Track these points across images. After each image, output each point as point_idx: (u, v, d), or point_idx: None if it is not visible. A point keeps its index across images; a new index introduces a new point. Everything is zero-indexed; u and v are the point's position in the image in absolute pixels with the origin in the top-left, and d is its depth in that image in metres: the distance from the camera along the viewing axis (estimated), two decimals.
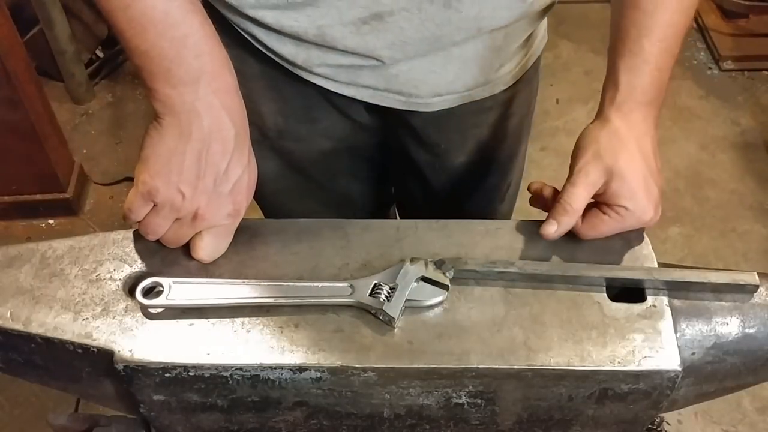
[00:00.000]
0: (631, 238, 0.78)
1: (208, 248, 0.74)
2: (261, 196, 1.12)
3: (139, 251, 0.76)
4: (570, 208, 0.74)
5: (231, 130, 0.70)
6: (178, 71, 0.67)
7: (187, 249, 0.75)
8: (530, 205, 0.84)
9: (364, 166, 1.15)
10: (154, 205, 0.71)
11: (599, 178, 0.75)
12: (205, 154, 0.69)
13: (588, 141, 0.77)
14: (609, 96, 0.79)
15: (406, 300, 0.70)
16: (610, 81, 0.79)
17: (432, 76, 0.91)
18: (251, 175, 0.74)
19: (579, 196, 0.74)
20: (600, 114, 0.79)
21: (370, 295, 0.70)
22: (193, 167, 0.69)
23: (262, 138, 1.02)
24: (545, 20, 1.00)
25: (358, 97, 0.94)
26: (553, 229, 0.74)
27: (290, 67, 0.91)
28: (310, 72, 0.91)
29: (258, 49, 0.90)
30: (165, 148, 0.69)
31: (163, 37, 0.66)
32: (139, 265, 0.75)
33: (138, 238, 0.77)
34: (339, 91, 0.93)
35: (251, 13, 0.83)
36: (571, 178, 0.76)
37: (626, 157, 0.75)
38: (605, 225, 0.75)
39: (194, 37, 0.68)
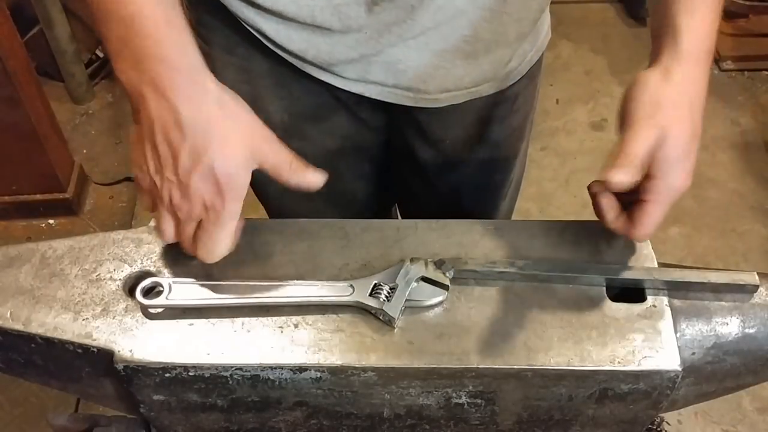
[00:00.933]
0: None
1: (205, 247, 0.71)
2: (266, 197, 1.12)
3: (139, 251, 0.76)
4: (636, 160, 0.69)
5: (180, 113, 0.66)
6: (125, 52, 0.67)
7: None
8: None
9: (368, 165, 1.15)
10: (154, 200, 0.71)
11: (656, 135, 0.70)
12: (161, 141, 0.67)
13: (646, 92, 0.72)
14: (668, 43, 0.73)
15: (406, 300, 0.70)
16: (667, 26, 0.74)
17: (441, 71, 0.91)
18: (227, 162, 0.68)
19: (642, 149, 0.70)
20: (658, 62, 0.74)
21: (370, 295, 0.70)
22: (153, 155, 0.68)
23: None
24: (548, 15, 1.00)
25: (366, 94, 0.94)
26: (623, 179, 0.68)
27: (299, 64, 0.91)
28: (320, 68, 0.91)
29: (266, 47, 0.90)
30: (134, 135, 0.69)
31: (114, 16, 0.66)
32: (139, 265, 0.75)
33: (138, 238, 0.77)
34: (348, 88, 0.93)
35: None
36: (630, 132, 0.71)
37: (678, 124, 0.71)
38: (649, 212, 0.71)
39: (140, 18, 0.66)
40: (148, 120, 0.67)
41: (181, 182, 0.68)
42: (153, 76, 0.66)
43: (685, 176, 0.71)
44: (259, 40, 0.90)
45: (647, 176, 0.71)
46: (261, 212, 1.18)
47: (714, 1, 0.75)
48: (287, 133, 1.02)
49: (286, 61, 0.91)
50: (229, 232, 0.70)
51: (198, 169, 0.67)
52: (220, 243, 0.70)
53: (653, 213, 0.71)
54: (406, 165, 1.13)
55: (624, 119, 0.73)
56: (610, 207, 0.74)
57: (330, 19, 0.83)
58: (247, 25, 0.88)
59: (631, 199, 0.73)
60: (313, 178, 0.74)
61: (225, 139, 0.68)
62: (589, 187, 0.76)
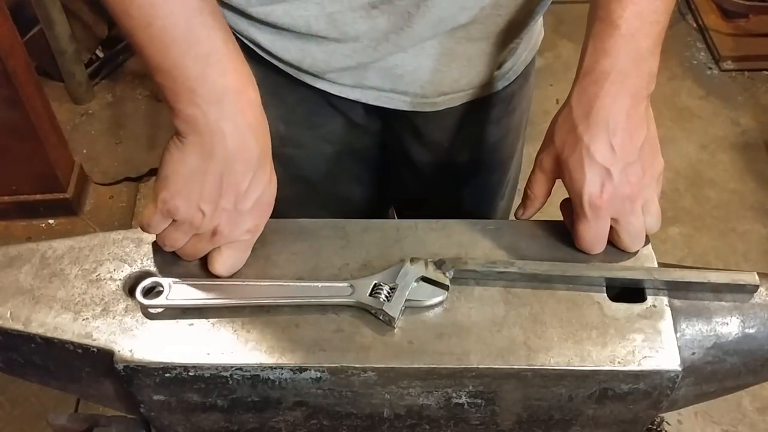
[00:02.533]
0: None
1: (226, 263, 0.73)
2: None
3: (139, 251, 0.76)
4: (531, 194, 0.78)
5: (255, 149, 0.69)
6: (201, 90, 0.65)
7: None
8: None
9: (364, 169, 1.15)
10: (174, 221, 0.70)
11: (552, 165, 0.75)
12: (227, 174, 0.68)
13: (550, 125, 0.76)
14: (577, 70, 0.74)
15: (406, 300, 0.70)
16: (581, 54, 0.75)
17: (437, 75, 0.91)
18: (272, 191, 0.73)
19: (537, 182, 0.77)
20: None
21: (370, 295, 0.70)
22: (215, 187, 0.68)
23: None
24: (541, 15, 1.00)
25: (363, 100, 0.94)
26: (520, 212, 0.80)
27: (294, 73, 0.91)
28: (315, 76, 0.91)
29: (261, 57, 0.90)
30: (186, 168, 0.68)
31: (186, 55, 0.65)
32: (139, 265, 0.75)
33: (138, 238, 0.77)
34: (344, 95, 0.93)
35: (258, 10, 0.83)
36: (534, 165, 0.78)
37: (571, 145, 0.72)
38: (578, 228, 0.74)
39: (218, 55, 0.66)
40: (223, 153, 0.67)
41: (237, 210, 0.70)
42: (236, 110, 0.67)
43: (598, 193, 0.71)
44: (254, 50, 0.89)
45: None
46: None
47: (633, 17, 0.70)
48: (283, 141, 1.03)
49: (281, 70, 0.91)
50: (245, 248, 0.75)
51: (253, 198, 0.70)
52: (243, 259, 0.75)
53: (581, 231, 0.73)
54: (403, 168, 1.13)
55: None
56: (568, 215, 0.77)
57: (325, 28, 0.83)
58: (242, 36, 0.88)
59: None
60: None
61: (271, 170, 0.73)
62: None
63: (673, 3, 0.74)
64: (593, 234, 0.73)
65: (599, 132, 0.70)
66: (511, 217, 1.30)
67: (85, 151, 2.61)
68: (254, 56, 0.90)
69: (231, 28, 0.86)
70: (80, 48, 2.64)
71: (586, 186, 0.71)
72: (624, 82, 0.71)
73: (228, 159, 0.68)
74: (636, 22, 0.70)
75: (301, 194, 1.11)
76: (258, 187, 0.71)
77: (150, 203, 0.70)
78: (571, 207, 0.76)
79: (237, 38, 0.88)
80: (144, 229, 0.72)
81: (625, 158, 0.71)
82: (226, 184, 0.68)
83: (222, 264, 0.73)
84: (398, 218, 1.35)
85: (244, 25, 0.86)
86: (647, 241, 0.76)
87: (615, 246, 0.75)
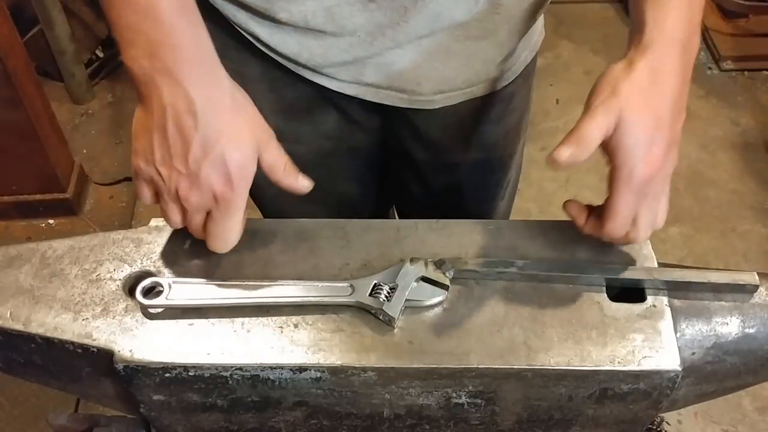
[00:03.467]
0: None
1: (213, 237, 0.71)
2: (260, 201, 1.12)
3: (139, 251, 0.76)
4: (584, 140, 0.69)
5: (194, 102, 0.67)
6: (137, 40, 0.66)
7: (187, 250, 0.75)
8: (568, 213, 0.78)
9: (363, 167, 1.15)
10: (156, 191, 0.71)
11: (611, 121, 0.70)
12: (172, 129, 0.67)
13: (607, 80, 0.73)
14: (635, 37, 0.73)
15: (406, 300, 0.70)
16: (636, 21, 0.74)
17: (435, 73, 0.91)
18: (238, 153, 0.69)
19: (593, 131, 0.70)
20: (625, 55, 0.74)
21: (370, 295, 0.70)
22: (162, 144, 0.67)
23: None
24: (542, 15, 1.00)
25: (360, 96, 0.94)
26: (565, 155, 0.69)
27: (293, 67, 0.91)
28: (313, 71, 0.91)
29: (260, 50, 0.90)
30: (138, 125, 0.69)
31: (127, 3, 0.66)
32: (139, 265, 0.75)
33: (138, 238, 0.77)
34: (342, 90, 0.93)
35: (257, 3, 0.83)
36: (586, 115, 0.71)
37: (634, 112, 0.70)
38: (614, 203, 0.70)
39: (157, 8, 0.66)
40: (160, 108, 0.67)
41: (191, 172, 0.68)
42: (168, 65, 0.66)
43: (650, 164, 0.70)
44: (252, 43, 0.89)
45: (612, 167, 0.70)
46: (258, 214, 1.18)
47: None
48: (280, 136, 1.03)
49: (279, 63, 0.91)
50: (239, 220, 0.72)
51: (209, 159, 0.67)
52: (231, 232, 0.72)
53: (618, 204, 0.70)
54: (402, 166, 1.13)
55: (585, 106, 0.73)
56: (579, 211, 0.75)
57: (323, 22, 0.83)
58: (240, 28, 0.88)
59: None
60: (304, 183, 0.76)
61: (236, 130, 0.69)
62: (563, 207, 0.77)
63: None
64: (630, 208, 0.70)
65: (666, 103, 0.71)
66: (512, 217, 1.30)
67: (85, 151, 2.61)
68: (253, 50, 0.90)
69: (229, 20, 0.87)
70: (80, 48, 2.64)
71: (647, 153, 0.69)
72: (683, 54, 0.72)
73: (165, 113, 0.67)
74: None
75: None
76: (208, 146, 0.67)
77: None
78: (579, 206, 0.75)
79: (235, 31, 0.88)
80: (140, 199, 0.72)
81: (673, 136, 0.71)
82: (172, 141, 0.67)
83: (211, 238, 0.71)
84: (399, 218, 1.35)
85: (242, 18, 0.87)
86: (641, 254, 0.75)
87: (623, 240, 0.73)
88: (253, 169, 0.71)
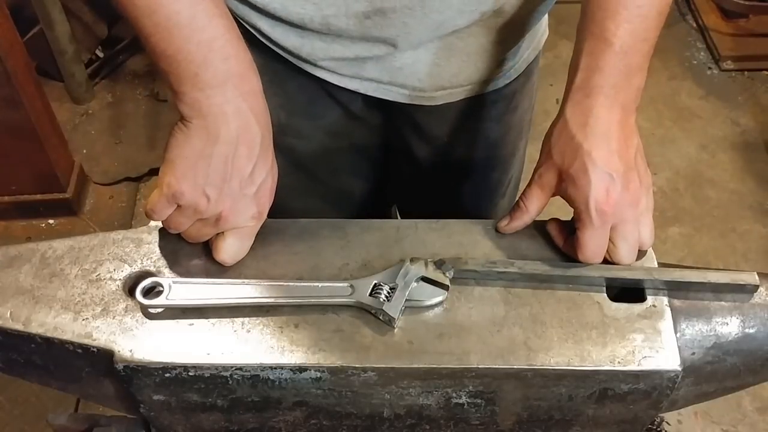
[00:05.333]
0: None
1: (230, 250, 0.73)
2: None
3: (139, 251, 0.76)
4: (523, 207, 0.76)
5: (258, 133, 0.70)
6: (205, 75, 0.67)
7: (187, 250, 0.75)
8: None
9: (365, 164, 1.15)
10: (178, 206, 0.70)
11: (552, 179, 0.75)
12: (231, 158, 0.69)
13: (545, 140, 0.76)
14: (568, 85, 0.75)
15: (406, 300, 0.70)
16: (571, 69, 0.76)
17: (436, 69, 0.91)
18: (274, 177, 0.74)
19: (532, 197, 0.76)
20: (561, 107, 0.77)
21: (370, 295, 0.70)
22: (220, 171, 0.69)
23: None
24: (546, 14, 1.00)
25: (361, 91, 0.94)
26: (504, 222, 0.77)
27: (294, 60, 0.91)
28: (314, 65, 0.91)
29: (262, 43, 0.90)
30: (191, 151, 0.69)
31: (190, 41, 0.67)
32: (139, 265, 0.75)
33: (138, 238, 0.77)
34: (343, 85, 0.93)
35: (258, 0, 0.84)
36: (526, 186, 0.78)
37: (574, 156, 0.72)
38: (582, 238, 0.72)
39: (221, 41, 0.68)
40: (227, 137, 0.68)
41: (242, 195, 0.71)
42: (239, 95, 0.69)
43: (604, 202, 0.71)
44: (254, 36, 0.90)
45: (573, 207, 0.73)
46: None
47: (627, 35, 0.72)
48: (283, 130, 1.03)
49: (282, 57, 0.91)
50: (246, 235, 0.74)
51: (256, 183, 0.71)
52: (247, 246, 0.75)
53: (585, 240, 0.72)
54: (404, 163, 1.13)
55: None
56: (557, 234, 0.77)
57: (320, 27, 0.84)
58: (242, 20, 0.88)
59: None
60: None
61: (273, 159, 0.74)
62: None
63: (662, 21, 0.75)
64: (597, 242, 0.72)
65: (598, 139, 0.72)
66: None
67: (85, 151, 2.61)
68: (255, 42, 0.90)
69: (231, 12, 0.87)
70: (80, 48, 2.64)
71: (592, 191, 0.71)
72: (616, 96, 0.73)
73: (232, 142, 0.69)
74: (629, 39, 0.72)
75: (302, 184, 1.11)
76: (261, 171, 0.71)
77: (156, 189, 0.71)
78: (559, 226, 0.77)
79: (237, 23, 0.88)
80: (149, 216, 0.72)
81: (625, 164, 0.72)
82: (231, 168, 0.69)
83: (226, 251, 0.73)
84: (400, 216, 1.35)
85: (244, 11, 0.87)
86: (640, 255, 0.75)
87: (609, 260, 0.74)
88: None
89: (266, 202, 0.74)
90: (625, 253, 0.73)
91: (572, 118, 0.73)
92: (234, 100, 0.69)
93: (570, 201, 0.74)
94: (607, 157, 0.71)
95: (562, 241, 0.76)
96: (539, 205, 0.77)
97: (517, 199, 0.79)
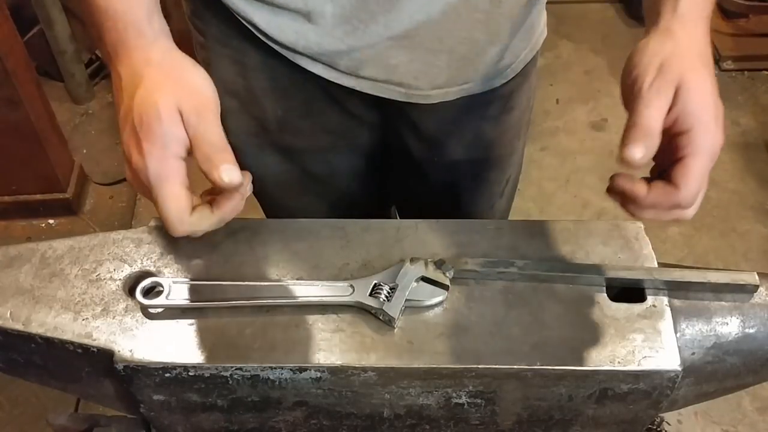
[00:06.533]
0: (631, 237, 0.78)
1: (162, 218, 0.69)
2: (261, 192, 1.12)
3: (139, 251, 0.76)
4: (651, 130, 0.65)
5: (120, 78, 0.71)
6: (118, 49, 0.71)
7: (187, 250, 0.75)
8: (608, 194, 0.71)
9: (363, 163, 1.16)
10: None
11: (669, 98, 0.66)
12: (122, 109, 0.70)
13: (649, 56, 0.69)
14: (666, 9, 0.72)
15: (406, 300, 0.70)
16: (652, 7, 0.73)
17: (432, 68, 0.91)
18: (148, 117, 0.66)
19: (656, 117, 0.66)
20: (656, 27, 0.72)
21: (370, 295, 0.70)
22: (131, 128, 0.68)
23: (262, 131, 1.02)
24: (544, 14, 1.00)
25: (358, 89, 0.94)
26: (640, 154, 0.64)
27: (290, 56, 0.91)
28: (311, 59, 0.91)
29: (259, 39, 0.90)
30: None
31: (107, 15, 0.71)
32: (139, 265, 0.75)
33: (138, 238, 0.77)
34: (339, 82, 0.93)
35: None
36: (641, 98, 0.67)
37: (694, 73, 0.67)
38: (691, 166, 0.65)
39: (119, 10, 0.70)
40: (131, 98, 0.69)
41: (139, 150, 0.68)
42: (128, 61, 0.71)
43: (720, 126, 0.66)
44: (252, 32, 0.90)
45: (678, 134, 0.66)
46: (260, 210, 1.18)
47: None
48: (281, 128, 1.03)
49: (279, 54, 0.92)
50: (171, 193, 0.66)
51: (126, 130, 0.69)
52: (165, 209, 0.66)
53: (695, 167, 0.65)
54: (401, 162, 1.13)
55: (629, 91, 0.69)
56: (636, 183, 0.68)
57: (321, 3, 0.84)
58: (239, 16, 0.89)
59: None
60: (227, 176, 0.66)
61: (149, 96, 0.67)
62: (607, 190, 0.70)
63: None
64: (704, 173, 0.67)
65: (712, 71, 0.70)
66: (512, 217, 1.30)
67: (85, 151, 2.61)
68: (253, 39, 0.91)
69: (229, 7, 0.88)
70: (80, 48, 2.64)
71: (713, 113, 0.66)
72: (709, 26, 0.74)
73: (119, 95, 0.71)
74: None
75: (299, 182, 1.11)
76: (128, 114, 0.68)
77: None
78: (631, 177, 0.68)
79: (235, 19, 0.88)
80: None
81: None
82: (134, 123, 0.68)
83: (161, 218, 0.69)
84: (399, 216, 1.35)
85: (241, 5, 0.87)
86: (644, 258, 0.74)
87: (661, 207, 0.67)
88: (162, 123, 0.66)
89: (142, 137, 0.66)
90: (700, 199, 0.68)
91: (685, 41, 0.70)
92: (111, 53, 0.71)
93: (683, 119, 0.66)
94: (716, 94, 0.68)
95: (645, 189, 0.67)
96: (662, 122, 0.66)
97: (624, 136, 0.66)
